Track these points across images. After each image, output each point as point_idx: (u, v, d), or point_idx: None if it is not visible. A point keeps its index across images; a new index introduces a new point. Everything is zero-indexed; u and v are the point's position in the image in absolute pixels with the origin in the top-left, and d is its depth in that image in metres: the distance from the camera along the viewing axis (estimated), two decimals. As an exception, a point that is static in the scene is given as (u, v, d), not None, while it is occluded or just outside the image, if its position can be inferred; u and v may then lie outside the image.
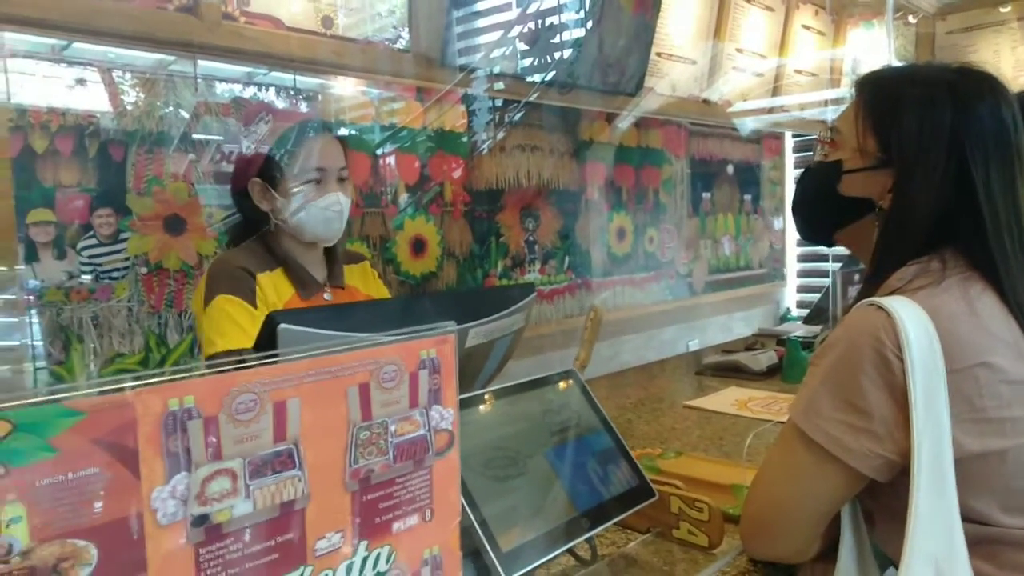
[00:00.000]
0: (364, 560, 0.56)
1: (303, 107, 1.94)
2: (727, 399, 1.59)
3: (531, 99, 2.38)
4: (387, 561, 0.57)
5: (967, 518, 0.76)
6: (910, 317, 0.76)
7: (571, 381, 0.95)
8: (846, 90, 3.04)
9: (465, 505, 0.72)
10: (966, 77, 0.86)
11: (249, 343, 1.22)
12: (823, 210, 0.97)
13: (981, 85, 0.85)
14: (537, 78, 2.31)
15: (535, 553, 0.75)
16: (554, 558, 0.80)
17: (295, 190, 1.37)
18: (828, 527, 0.85)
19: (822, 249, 3.53)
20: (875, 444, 0.77)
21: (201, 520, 0.47)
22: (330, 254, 1.46)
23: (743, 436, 1.38)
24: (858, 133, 0.89)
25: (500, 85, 2.27)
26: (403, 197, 2.16)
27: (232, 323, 1.26)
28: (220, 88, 1.80)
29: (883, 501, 0.82)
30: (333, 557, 0.54)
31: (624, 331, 2.83)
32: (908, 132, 0.84)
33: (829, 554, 0.89)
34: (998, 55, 2.48)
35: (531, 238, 2.56)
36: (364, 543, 0.56)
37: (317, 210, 1.36)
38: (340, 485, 0.54)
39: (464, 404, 0.82)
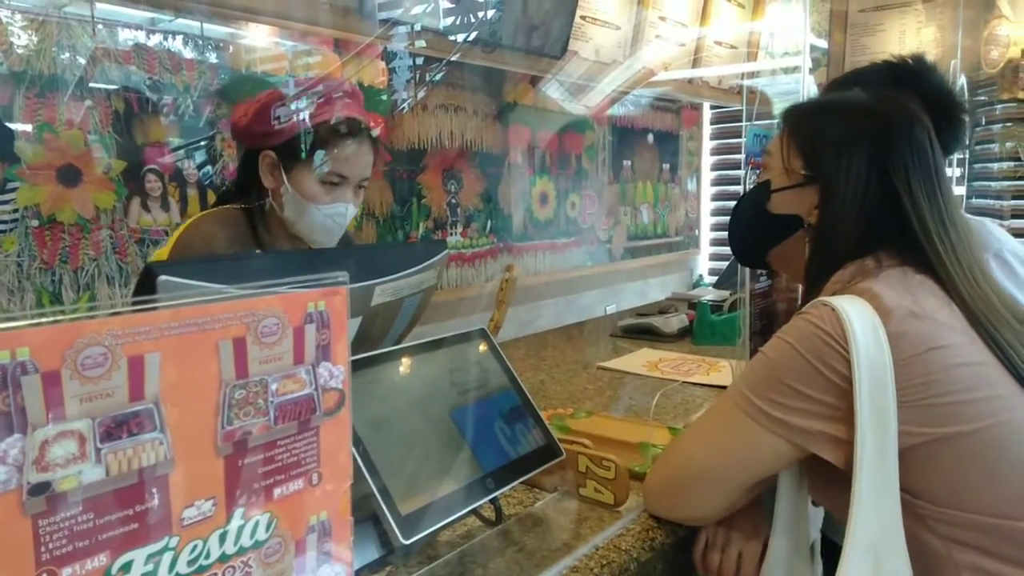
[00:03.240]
0: (240, 529, 0.50)
1: (212, 57, 1.81)
2: (639, 360, 1.59)
3: (454, 58, 2.30)
4: (267, 529, 0.52)
5: (916, 496, 0.76)
6: (855, 312, 0.76)
7: (480, 340, 0.91)
8: (763, 63, 3.08)
9: (363, 468, 0.68)
10: (883, 102, 0.90)
11: None
12: (755, 230, 0.99)
13: (897, 106, 0.88)
14: (460, 37, 2.23)
15: (436, 516, 0.71)
16: (457, 520, 0.77)
17: (308, 185, 1.23)
18: (742, 497, 0.85)
19: (735, 218, 3.59)
20: (821, 423, 0.76)
21: (41, 488, 0.41)
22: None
23: (652, 396, 1.38)
24: (784, 155, 0.92)
25: (422, 42, 2.17)
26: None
27: None
28: (122, 35, 1.66)
29: (835, 492, 0.81)
30: (203, 526, 0.48)
31: (543, 295, 2.82)
32: (829, 149, 0.87)
33: (733, 518, 0.89)
34: (903, 35, 2.54)
35: (453, 200, 2.50)
36: (240, 511, 0.50)
37: (322, 215, 1.24)
38: (211, 449, 0.48)
39: (366, 363, 0.77)
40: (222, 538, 0.49)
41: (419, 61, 2.30)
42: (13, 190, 1.50)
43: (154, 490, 0.45)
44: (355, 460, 0.68)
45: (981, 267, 0.85)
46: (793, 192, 0.91)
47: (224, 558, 0.50)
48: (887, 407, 0.75)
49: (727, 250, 3.79)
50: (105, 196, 1.65)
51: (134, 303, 0.44)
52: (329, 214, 1.25)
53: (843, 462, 0.77)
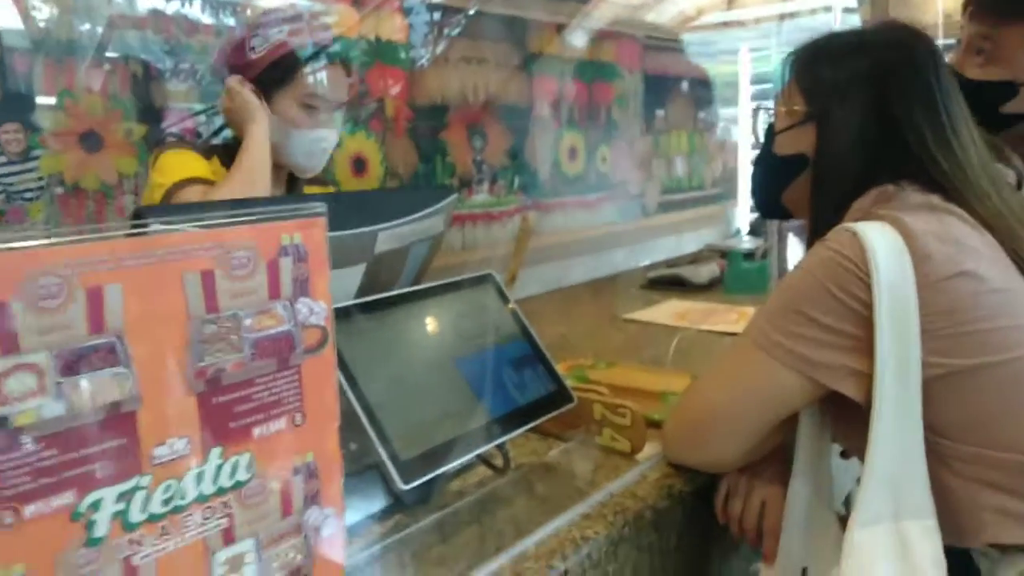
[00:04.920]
0: (219, 468, 0.49)
1: (229, 21, 1.79)
2: (666, 311, 1.55)
3: (473, 9, 2.24)
4: (247, 469, 0.51)
5: (938, 433, 0.72)
6: (878, 236, 0.72)
7: (488, 286, 0.88)
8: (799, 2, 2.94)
9: (361, 414, 0.66)
10: (881, 28, 0.89)
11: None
12: (766, 176, 0.96)
13: (896, 32, 0.85)
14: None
15: (438, 461, 0.69)
16: (463, 466, 0.75)
17: (289, 110, 1.29)
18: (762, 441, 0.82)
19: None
20: (842, 356, 0.73)
21: (-3, 424, 0.40)
22: (293, 177, 1.38)
23: (678, 346, 1.34)
24: (786, 95, 0.90)
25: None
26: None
27: (182, 166, 1.22)
28: (139, 1, 1.65)
29: (855, 428, 0.78)
30: (177, 465, 0.47)
31: (573, 253, 2.76)
32: (824, 80, 0.85)
33: (756, 466, 0.86)
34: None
35: (479, 157, 2.45)
36: (218, 450, 0.49)
37: (306, 140, 1.30)
38: (182, 386, 0.47)
39: (366, 308, 0.75)
40: (198, 478, 0.48)
41: (436, 16, 2.24)
42: (36, 158, 1.51)
43: (121, 427, 0.44)
44: (353, 405, 0.66)
45: (993, 176, 0.81)
46: (795, 131, 0.88)
47: (202, 498, 0.48)
48: (909, 336, 0.71)
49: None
50: (127, 161, 1.65)
51: (91, 230, 0.43)
52: (313, 139, 1.29)
53: (859, 395, 0.73)
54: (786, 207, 0.94)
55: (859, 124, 0.81)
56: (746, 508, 0.87)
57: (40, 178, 1.52)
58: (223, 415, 0.49)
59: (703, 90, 3.30)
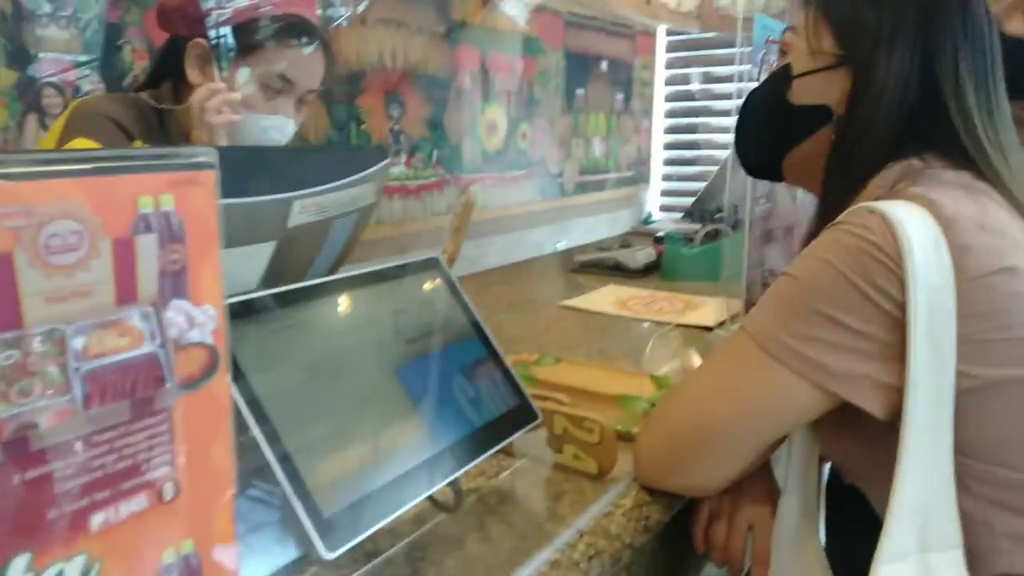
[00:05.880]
0: (24, 590, 0.28)
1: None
2: (606, 298, 1.40)
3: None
4: (80, 583, 0.30)
5: (957, 451, 0.58)
6: (911, 220, 0.57)
7: (433, 273, 0.68)
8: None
9: (270, 454, 0.45)
10: None
11: None
12: (771, 128, 0.78)
13: None
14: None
15: (374, 512, 0.50)
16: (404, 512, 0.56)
17: (243, 87, 0.99)
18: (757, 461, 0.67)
19: (687, 154, 3.41)
20: (867, 365, 0.58)
21: None
22: None
23: (626, 338, 1.19)
24: (809, 32, 0.72)
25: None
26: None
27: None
28: None
29: (858, 444, 0.64)
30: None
31: (491, 231, 2.58)
32: (867, 25, 0.68)
33: (739, 483, 0.72)
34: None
35: (396, 127, 2.22)
36: (24, 558, 0.28)
37: (256, 126, 1.00)
38: (-55, 460, 0.26)
39: (277, 303, 0.54)
40: (-17, 612, 0.27)
41: (355, -34, 1.98)
42: None
43: None
44: (257, 442, 0.46)
45: None
46: (821, 76, 0.71)
47: (-9, 646, 0.27)
48: (946, 342, 0.57)
49: (678, 186, 3.62)
50: (-2, 113, 1.33)
51: None
52: (266, 126, 1.00)
53: (883, 411, 0.60)
54: (784, 170, 0.78)
55: (904, 78, 0.66)
56: (731, 533, 0.72)
57: None
58: (36, 501, 0.28)
59: (622, 72, 3.18)
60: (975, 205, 0.61)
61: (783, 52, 0.76)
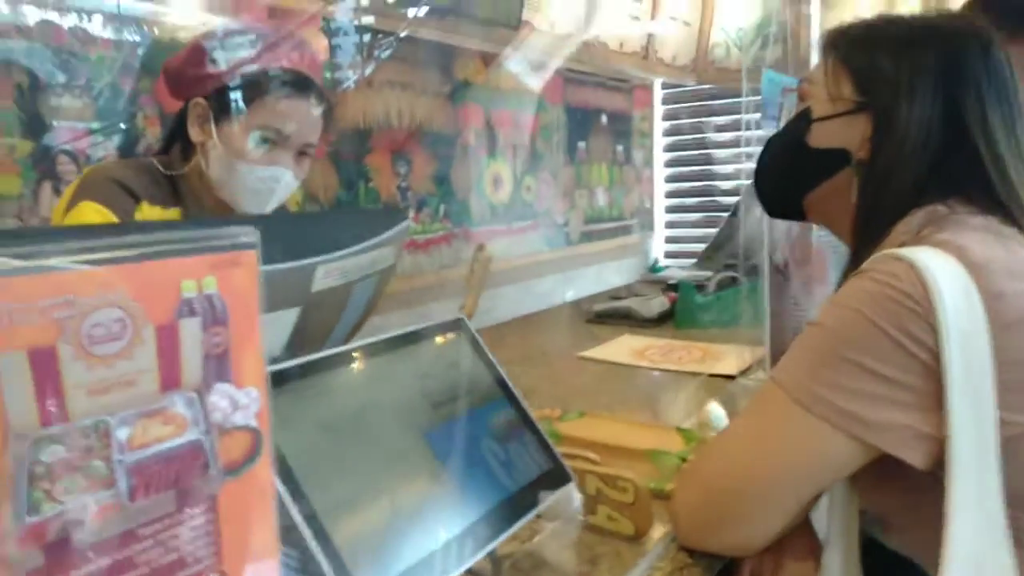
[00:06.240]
0: None
1: (131, 36, 1.51)
2: (622, 348, 1.38)
3: (403, 33, 2.05)
4: None
5: (1012, 505, 0.56)
6: (939, 267, 0.56)
7: (458, 334, 0.67)
8: (720, 35, 2.90)
9: (305, 530, 0.44)
10: (950, 19, 0.72)
11: None
12: (791, 169, 0.78)
13: (968, 25, 0.69)
14: (410, 10, 1.98)
15: (413, 589, 0.47)
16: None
17: (239, 139, 1.00)
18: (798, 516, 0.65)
19: (688, 201, 3.43)
20: (905, 415, 0.56)
21: None
22: None
23: (647, 389, 1.17)
24: (829, 79, 0.72)
25: (370, 18, 1.92)
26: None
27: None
28: (27, 11, 1.36)
29: (899, 496, 0.62)
30: None
31: (500, 282, 2.58)
32: (886, 73, 0.68)
33: (777, 545, 0.69)
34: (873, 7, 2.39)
35: (403, 184, 2.24)
36: (64, 667, 0.26)
37: (252, 177, 1.00)
38: (-13, 567, 0.24)
39: (302, 373, 0.53)
40: None
41: (365, 38, 2.04)
42: None
43: None
44: (292, 517, 0.44)
45: None
46: (840, 121, 0.71)
47: None
48: (984, 389, 0.55)
49: (683, 232, 3.63)
50: (9, 180, 1.34)
51: None
52: (261, 176, 1.00)
53: (925, 461, 0.57)
54: (805, 209, 0.78)
55: (926, 124, 0.66)
56: (774, 592, 0.69)
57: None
58: (74, 604, 0.26)
59: (621, 124, 3.22)
60: (1003, 251, 0.60)
61: (801, 99, 0.77)
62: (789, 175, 0.78)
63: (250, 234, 0.31)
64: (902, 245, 0.63)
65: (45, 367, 0.25)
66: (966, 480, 0.55)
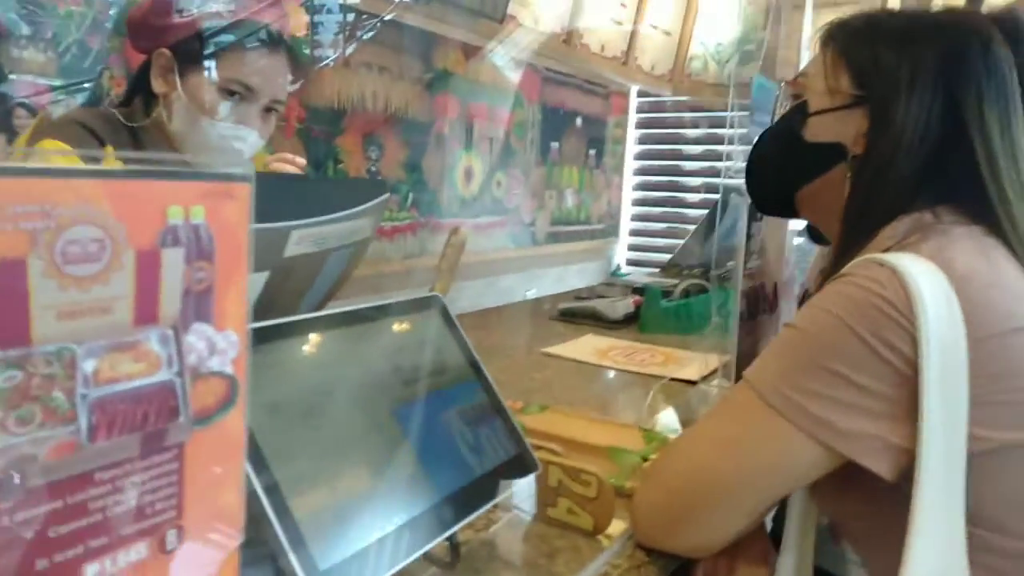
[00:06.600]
0: (-1, 656, 0.24)
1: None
2: (586, 347, 1.37)
3: (388, 16, 2.01)
4: (63, 649, 0.25)
5: (973, 522, 0.57)
6: (923, 274, 0.56)
7: (432, 311, 0.65)
8: (699, 48, 2.94)
9: (265, 501, 0.41)
10: (952, 14, 0.70)
11: None
12: (785, 163, 0.77)
13: (970, 21, 0.68)
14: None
15: (371, 567, 0.45)
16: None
17: (204, 92, 0.96)
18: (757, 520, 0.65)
19: (654, 211, 3.46)
20: (876, 424, 0.56)
21: None
22: None
23: (609, 389, 1.17)
24: (827, 71, 0.71)
25: (355, -4, 1.88)
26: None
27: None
28: None
29: (858, 505, 0.62)
30: None
31: (463, 276, 2.56)
32: (887, 68, 0.67)
33: (731, 548, 0.69)
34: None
35: (373, 168, 2.20)
36: (3, 616, 0.24)
37: (214, 133, 0.96)
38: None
39: (269, 336, 0.50)
40: None
41: (348, 17, 2.00)
42: None
43: None
44: (257, 489, 0.41)
45: None
46: (837, 115, 0.70)
47: None
48: (959, 402, 0.56)
49: (646, 241, 3.65)
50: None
51: None
52: (225, 135, 0.96)
53: (892, 472, 0.57)
54: (797, 205, 0.77)
55: (924, 120, 0.65)
56: (727, 596, 0.69)
57: None
58: (23, 545, 0.24)
59: (596, 128, 3.23)
60: (986, 263, 0.60)
61: (795, 95, 0.76)
62: (783, 169, 0.77)
63: (244, 170, 0.29)
64: (886, 251, 0.62)
65: (11, 281, 0.22)
66: (933, 493, 0.55)
